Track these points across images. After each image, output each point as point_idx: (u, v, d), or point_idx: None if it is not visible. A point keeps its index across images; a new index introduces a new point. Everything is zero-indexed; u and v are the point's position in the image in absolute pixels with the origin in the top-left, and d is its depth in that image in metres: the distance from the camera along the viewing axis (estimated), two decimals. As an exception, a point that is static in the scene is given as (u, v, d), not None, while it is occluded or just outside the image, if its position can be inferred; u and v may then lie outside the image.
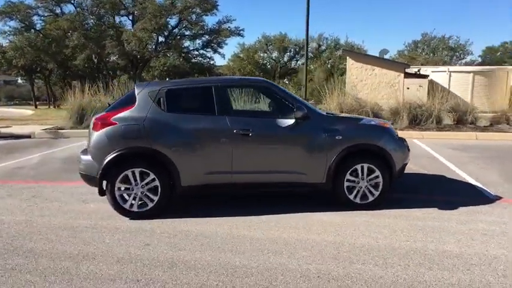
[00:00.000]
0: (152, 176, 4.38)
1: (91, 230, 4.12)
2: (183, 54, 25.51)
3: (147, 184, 4.41)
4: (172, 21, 21.21)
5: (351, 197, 4.71)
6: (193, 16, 21.23)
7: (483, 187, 5.64)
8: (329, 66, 34.65)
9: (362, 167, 4.67)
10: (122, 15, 22.79)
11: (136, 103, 4.51)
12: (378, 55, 23.42)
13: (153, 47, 21.91)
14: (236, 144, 4.47)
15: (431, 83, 19.12)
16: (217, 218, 4.42)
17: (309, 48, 38.01)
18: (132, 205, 4.43)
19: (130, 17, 23.18)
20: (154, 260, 3.41)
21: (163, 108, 4.52)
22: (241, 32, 23.07)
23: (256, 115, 5.31)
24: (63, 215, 4.61)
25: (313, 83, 25.71)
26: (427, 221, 4.31)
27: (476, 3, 56.03)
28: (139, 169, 4.38)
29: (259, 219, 4.39)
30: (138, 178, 4.39)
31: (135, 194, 4.42)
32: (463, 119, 11.29)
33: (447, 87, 19.93)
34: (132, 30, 20.36)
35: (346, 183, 4.67)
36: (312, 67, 34.77)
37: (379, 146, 4.69)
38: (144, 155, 4.41)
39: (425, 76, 19.78)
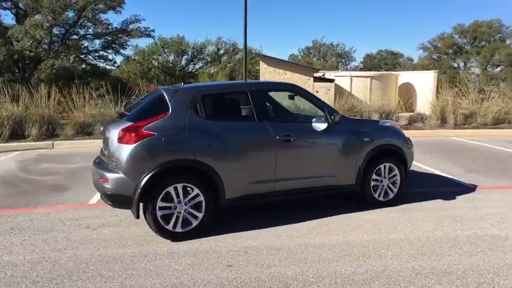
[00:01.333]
0: (196, 190, 4.03)
1: (144, 258, 3.61)
2: (82, 56, 23.17)
3: (190, 200, 4.04)
4: (72, 17, 19.10)
5: (376, 195, 5.03)
6: (96, 13, 19.47)
7: (455, 178, 6.55)
8: (229, 70, 35.23)
9: (385, 166, 5.04)
10: (4, 9, 19.58)
11: (171, 110, 4.10)
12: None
13: (47, 46, 19.42)
14: (279, 150, 4.40)
15: (337, 86, 20.95)
16: (261, 229, 4.27)
17: (207, 52, 38.00)
18: (175, 225, 4.00)
19: (14, 11, 20.18)
20: (255, 279, 3.18)
21: (201, 115, 4.19)
22: (151, 32, 22.00)
23: (292, 120, 5.26)
24: (86, 245, 3.92)
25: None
26: (445, 211, 4.87)
27: (359, 14, 63.35)
28: (182, 184, 3.99)
29: (307, 225, 4.39)
30: (181, 194, 3.99)
31: (178, 212, 4.01)
32: (388, 119, 12.75)
33: (349, 90, 22.09)
34: (21, 26, 17.73)
35: (372, 183, 4.97)
36: (212, 71, 34.99)
37: (398, 146, 5.12)
38: (188, 168, 4.03)
39: (331, 80, 21.66)
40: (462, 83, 16.14)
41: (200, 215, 4.06)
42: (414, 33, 70.30)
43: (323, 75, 24.95)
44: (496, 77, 28.48)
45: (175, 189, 3.97)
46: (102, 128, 4.72)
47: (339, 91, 20.57)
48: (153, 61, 38.23)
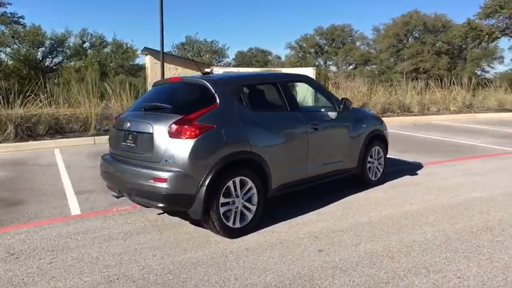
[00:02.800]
0: (250, 183, 3.95)
1: (224, 258, 3.40)
2: None
3: (245, 194, 3.94)
4: None
5: (370, 175, 5.65)
6: None
7: (399, 158, 7.68)
8: (98, 64, 32.52)
9: (375, 149, 5.70)
10: None
11: (220, 101, 3.89)
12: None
13: None
14: (310, 139, 4.59)
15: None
16: (303, 215, 4.42)
17: (69, 44, 34.15)
18: (234, 221, 3.85)
19: None
20: (347, 260, 3.36)
21: (246, 106, 4.10)
22: (20, 19, 18.67)
23: (312, 109, 5.39)
24: (140, 256, 3.45)
25: (87, 84, 23.57)
26: (425, 183, 5.79)
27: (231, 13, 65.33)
28: (240, 177, 3.86)
29: (336, 207, 4.71)
30: (238, 188, 3.86)
31: (236, 207, 3.86)
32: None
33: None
34: None
35: (368, 165, 5.57)
36: (78, 66, 31.85)
37: (382, 130, 5.84)
38: (244, 161, 3.91)
39: (223, 76, 22.17)
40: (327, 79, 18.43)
41: (253, 208, 3.99)
42: (282, 33, 76.44)
43: (211, 70, 25.16)
44: (350, 74, 33.27)
45: (234, 183, 3.82)
46: (120, 123, 4.16)
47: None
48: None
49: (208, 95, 3.92)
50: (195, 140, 3.57)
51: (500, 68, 41.49)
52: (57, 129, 10.01)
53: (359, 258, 3.39)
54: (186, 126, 3.59)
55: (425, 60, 31.90)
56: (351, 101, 5.35)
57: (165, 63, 20.49)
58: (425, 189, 5.47)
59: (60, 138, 9.57)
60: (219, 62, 45.83)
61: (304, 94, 5.29)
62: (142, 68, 28.93)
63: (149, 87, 17.81)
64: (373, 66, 38.10)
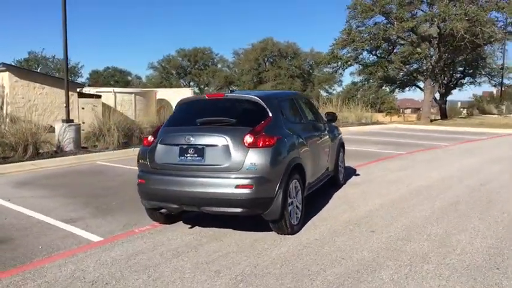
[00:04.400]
0: (299, 185, 4.47)
1: (308, 250, 3.82)
2: None
3: (296, 194, 4.43)
4: None
5: (340, 177, 6.67)
6: None
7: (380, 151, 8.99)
8: None
9: (341, 155, 6.76)
10: None
11: (272, 115, 4.34)
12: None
13: None
14: (319, 145, 5.34)
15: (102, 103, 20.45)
16: (320, 212, 5.10)
17: None
18: (294, 219, 4.30)
19: None
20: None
21: (285, 118, 4.61)
22: None
23: (312, 120, 5.93)
24: (243, 262, 3.59)
25: None
26: (373, 180, 7.11)
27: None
28: (294, 180, 4.35)
29: (335, 203, 5.53)
30: (293, 190, 4.34)
31: (293, 206, 4.32)
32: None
33: (113, 106, 22.05)
34: None
35: (339, 168, 6.59)
36: None
37: (342, 137, 6.96)
38: (297, 166, 4.40)
39: (99, 96, 20.92)
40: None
41: (301, 206, 4.50)
42: (143, 53, 73.95)
43: (81, 90, 23.42)
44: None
45: (292, 185, 4.28)
46: (170, 138, 4.21)
47: (104, 107, 20.17)
48: None
49: (262, 109, 4.35)
50: (272, 148, 3.96)
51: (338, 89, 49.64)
52: None
53: (396, 232, 4.27)
54: (262, 136, 3.94)
55: (283, 82, 36.03)
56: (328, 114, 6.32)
57: (28, 81, 18.38)
58: (382, 184, 6.75)
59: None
60: (73, 81, 42.08)
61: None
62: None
63: (12, 109, 15.59)
64: (237, 87, 40.84)
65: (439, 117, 24.89)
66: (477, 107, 26.78)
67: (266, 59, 38.94)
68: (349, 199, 5.72)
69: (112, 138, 11.17)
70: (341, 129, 7.48)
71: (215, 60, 44.59)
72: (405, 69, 22.90)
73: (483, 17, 17.14)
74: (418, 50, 20.26)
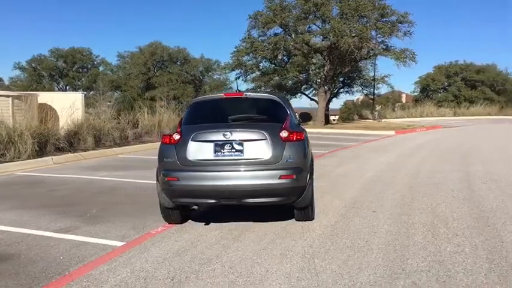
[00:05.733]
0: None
1: (349, 230, 4.29)
2: None
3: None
4: None
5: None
6: None
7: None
8: None
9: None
10: None
11: (289, 114, 4.71)
12: None
13: None
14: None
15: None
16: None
17: None
18: (313, 206, 4.74)
19: None
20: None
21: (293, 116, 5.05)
22: None
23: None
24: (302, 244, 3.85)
25: None
26: (320, 165, 7.96)
27: None
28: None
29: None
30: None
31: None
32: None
33: (-11, 111, 19.36)
34: None
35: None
36: None
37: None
38: (312, 157, 4.87)
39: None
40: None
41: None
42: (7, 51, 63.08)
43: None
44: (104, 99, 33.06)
45: (310, 175, 4.72)
46: (204, 135, 4.27)
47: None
48: None
49: (282, 107, 4.72)
50: (302, 141, 4.35)
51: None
52: None
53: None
54: (294, 131, 4.30)
55: (175, 88, 35.56)
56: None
57: None
58: (338, 177, 7.61)
59: None
60: None
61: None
62: None
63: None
64: (125, 92, 38.78)
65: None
66: (356, 113, 30.76)
67: (155, 63, 37.94)
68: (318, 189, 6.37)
69: (25, 146, 9.91)
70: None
71: (95, 62, 41.60)
72: (301, 78, 25.09)
73: (367, 34, 20.03)
74: (313, 60, 22.48)
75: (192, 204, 4.34)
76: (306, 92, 29.94)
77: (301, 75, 24.71)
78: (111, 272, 3.33)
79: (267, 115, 4.61)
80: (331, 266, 3.38)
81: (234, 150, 4.17)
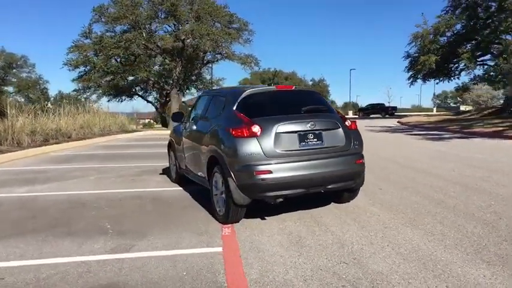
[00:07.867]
0: None
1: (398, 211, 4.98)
2: None
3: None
4: None
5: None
6: None
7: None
8: None
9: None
10: None
11: (327, 106, 5.08)
12: None
13: None
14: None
15: None
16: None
17: None
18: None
19: None
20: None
21: None
22: None
23: None
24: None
25: None
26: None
27: None
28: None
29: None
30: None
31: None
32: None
33: None
34: None
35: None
36: None
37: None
38: None
39: None
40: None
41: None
42: None
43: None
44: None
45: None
46: (288, 126, 4.32)
47: None
48: None
49: (324, 100, 5.13)
50: (357, 130, 4.82)
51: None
52: None
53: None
54: (352, 121, 4.76)
55: None
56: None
57: None
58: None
59: None
60: None
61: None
62: None
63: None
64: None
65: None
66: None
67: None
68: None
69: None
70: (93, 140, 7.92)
71: None
72: (152, 79, 24.13)
73: (222, 37, 21.06)
74: (167, 61, 22.01)
75: (280, 197, 4.24)
76: (141, 93, 29.27)
77: (151, 75, 23.86)
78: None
79: (323, 106, 4.92)
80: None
81: (316, 140, 4.36)
